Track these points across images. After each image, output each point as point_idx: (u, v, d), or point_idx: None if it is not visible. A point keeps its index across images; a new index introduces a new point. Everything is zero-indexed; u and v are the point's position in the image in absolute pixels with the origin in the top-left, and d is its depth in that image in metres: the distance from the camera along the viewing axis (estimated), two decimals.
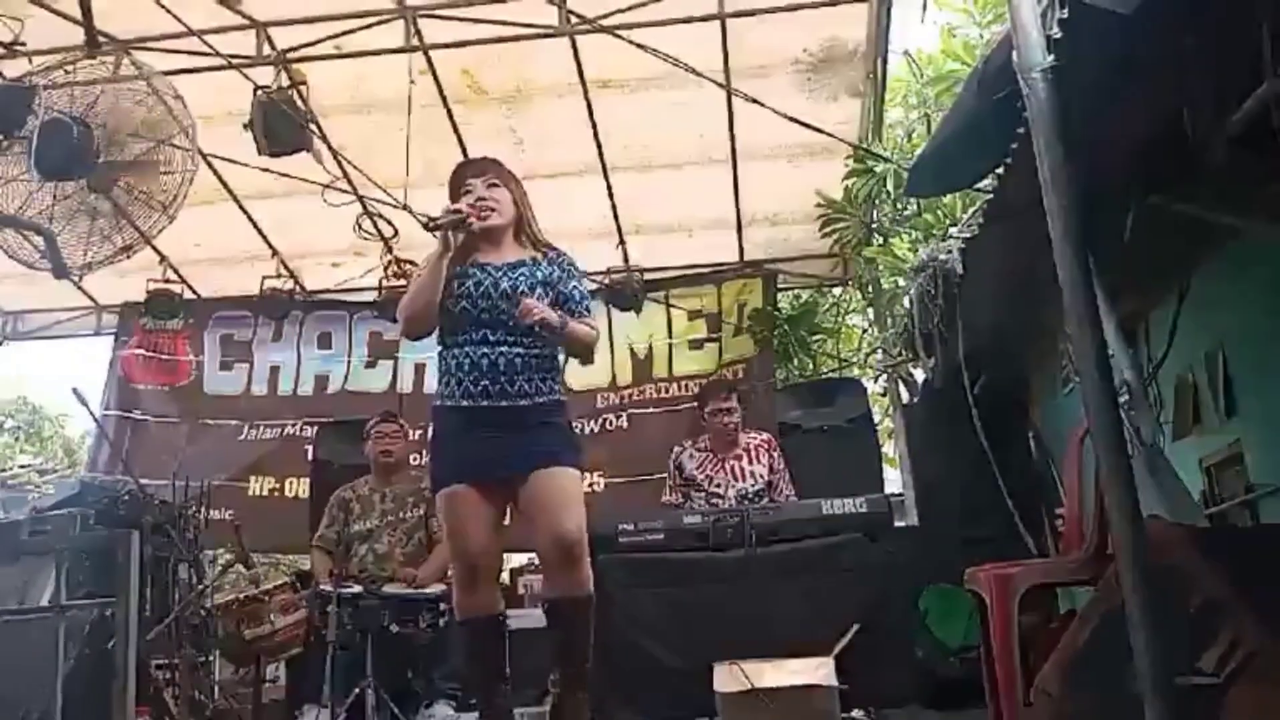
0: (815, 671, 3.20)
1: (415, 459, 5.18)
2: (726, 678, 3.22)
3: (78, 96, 3.22)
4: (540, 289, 2.98)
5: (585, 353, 3.09)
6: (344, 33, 4.83)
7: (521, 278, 2.98)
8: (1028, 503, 4.31)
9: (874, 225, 5.35)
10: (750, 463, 4.57)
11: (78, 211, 3.20)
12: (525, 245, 3.09)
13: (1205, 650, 2.01)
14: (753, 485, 4.50)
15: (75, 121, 3.10)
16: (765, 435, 4.76)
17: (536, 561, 5.24)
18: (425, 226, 2.93)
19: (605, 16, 4.70)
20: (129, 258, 3.43)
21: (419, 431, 5.52)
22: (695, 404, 5.19)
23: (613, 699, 3.67)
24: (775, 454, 4.64)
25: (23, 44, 2.84)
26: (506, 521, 3.03)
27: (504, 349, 2.92)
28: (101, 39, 3.45)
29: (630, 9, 4.67)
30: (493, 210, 3.02)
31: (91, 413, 5.46)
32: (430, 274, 2.93)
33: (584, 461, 3.02)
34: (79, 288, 6.68)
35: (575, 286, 3.05)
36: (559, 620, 2.95)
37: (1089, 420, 2.13)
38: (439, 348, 3.05)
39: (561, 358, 3.07)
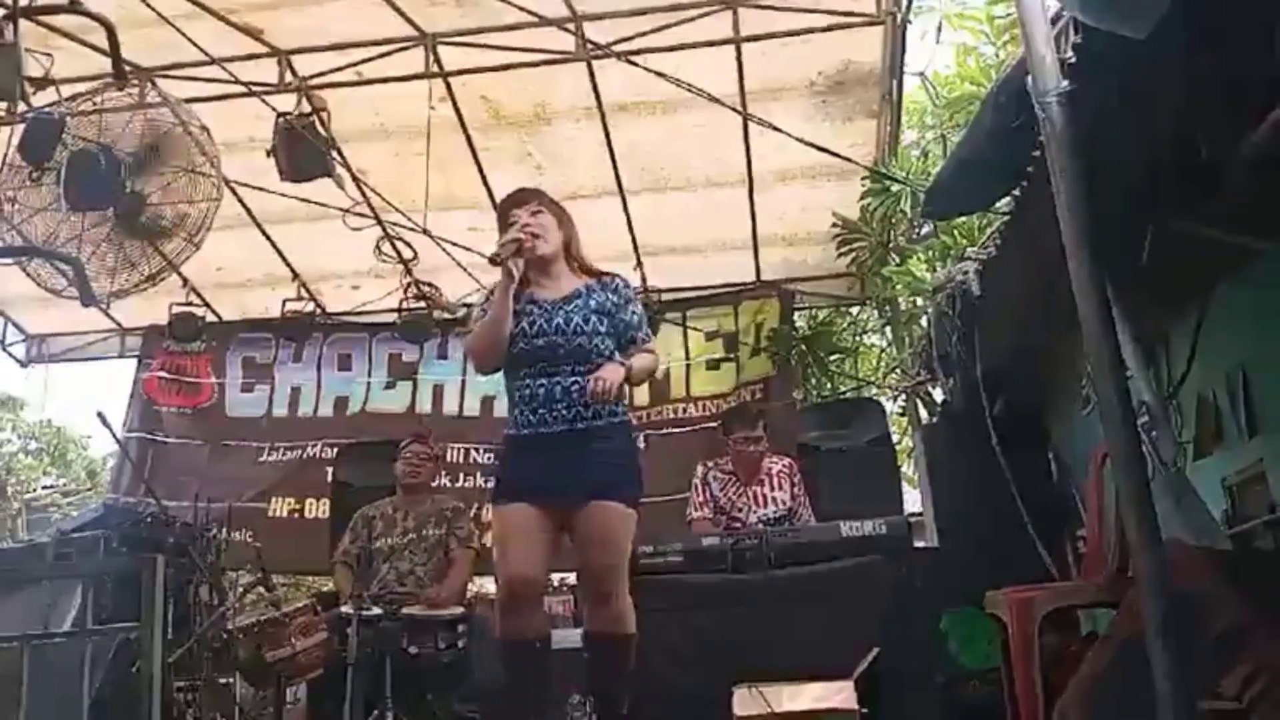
0: (835, 695, 3.17)
1: (435, 482, 5.19)
2: (746, 701, 3.20)
3: (105, 127, 3.28)
4: (595, 318, 3.02)
5: (649, 378, 3.21)
6: (365, 60, 4.91)
7: (575, 309, 3.02)
8: (1048, 524, 4.28)
9: (891, 245, 5.36)
10: (772, 489, 4.56)
11: (105, 240, 3.26)
12: (576, 272, 3.13)
13: (1227, 675, 2.00)
14: (775, 511, 4.49)
15: (102, 152, 3.16)
16: (786, 460, 4.74)
17: (557, 584, 5.27)
18: (491, 261, 2.99)
19: (621, 42, 4.76)
20: (155, 285, 3.49)
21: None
22: (716, 424, 5.17)
23: None
24: (796, 479, 4.62)
25: (52, 80, 2.90)
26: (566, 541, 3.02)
27: (561, 379, 2.96)
28: (127, 68, 3.51)
29: (646, 34, 4.72)
30: (538, 236, 3.05)
31: (115, 436, 5.53)
32: (499, 307, 2.96)
33: (637, 494, 3.02)
34: (104, 311, 6.76)
35: (634, 312, 3.09)
36: (590, 653, 3.01)
37: (1108, 443, 2.13)
38: (505, 381, 3.10)
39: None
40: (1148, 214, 2.91)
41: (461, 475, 6.51)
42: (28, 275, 3.49)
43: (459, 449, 6.58)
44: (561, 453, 2.92)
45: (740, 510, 4.53)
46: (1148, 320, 3.46)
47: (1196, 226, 2.84)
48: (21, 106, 3.16)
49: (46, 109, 3.34)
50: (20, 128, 3.27)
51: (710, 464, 4.73)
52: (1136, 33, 1.94)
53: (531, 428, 2.96)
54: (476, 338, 3.08)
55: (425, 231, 5.32)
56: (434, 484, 4.99)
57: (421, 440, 4.79)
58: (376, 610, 4.00)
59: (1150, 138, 2.58)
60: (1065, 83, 2.19)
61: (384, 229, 5.77)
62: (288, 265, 6.60)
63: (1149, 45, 1.96)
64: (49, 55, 2.89)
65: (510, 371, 3.06)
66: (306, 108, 4.82)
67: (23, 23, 2.55)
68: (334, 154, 5.00)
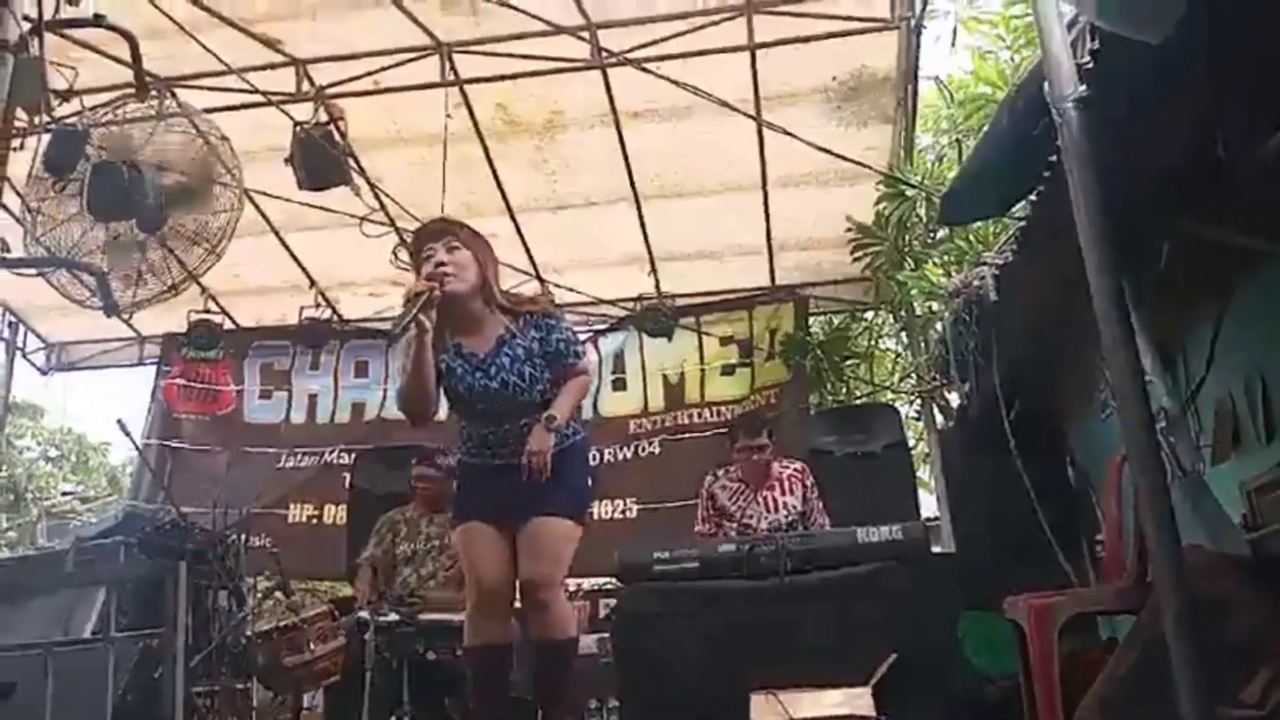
0: (853, 702, 3.17)
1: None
2: (763, 708, 3.20)
3: (127, 138, 3.32)
4: (526, 367, 2.99)
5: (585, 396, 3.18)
6: (381, 69, 4.95)
7: (506, 363, 2.99)
8: (1065, 529, 4.26)
9: (906, 250, 5.35)
10: (783, 494, 4.55)
11: (127, 251, 3.30)
12: (496, 312, 3.03)
13: (1248, 682, 1.99)
14: (786, 516, 4.48)
15: (125, 163, 3.20)
16: (798, 465, 4.73)
17: (574, 588, 5.27)
18: (392, 337, 2.89)
19: (635, 49, 4.77)
20: (176, 295, 3.53)
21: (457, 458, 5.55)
22: (727, 431, 5.18)
23: None
24: (809, 483, 4.61)
25: (75, 92, 2.94)
26: None
27: (508, 425, 3.02)
28: (147, 79, 3.55)
29: (660, 41, 4.74)
30: (452, 275, 2.93)
31: (135, 443, 5.58)
32: (416, 366, 2.88)
33: (582, 509, 3.18)
34: (123, 320, 6.82)
35: (559, 339, 3.04)
36: (535, 660, 3.14)
37: (1126, 447, 2.13)
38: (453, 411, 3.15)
39: (591, 389, 3.13)
40: (1165, 218, 2.90)
41: None
42: (51, 286, 3.53)
43: None
44: (512, 481, 2.98)
45: (751, 517, 4.53)
46: (1166, 325, 3.44)
47: (1214, 230, 2.83)
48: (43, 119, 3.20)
49: (69, 120, 3.38)
50: (44, 140, 3.30)
51: (720, 472, 4.72)
52: (1153, 38, 1.93)
53: (484, 459, 3.07)
54: (402, 396, 3.02)
55: None
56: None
57: (426, 461, 4.73)
58: (394, 616, 4.02)
59: (1167, 142, 2.57)
60: (1082, 88, 2.19)
61: (400, 236, 5.79)
62: (305, 273, 6.64)
63: (1165, 50, 1.96)
64: (73, 69, 2.92)
65: (454, 410, 3.11)
66: (324, 117, 4.86)
67: (46, 35, 2.58)
68: (351, 162, 5.03)
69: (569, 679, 3.12)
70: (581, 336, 6.62)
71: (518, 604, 3.14)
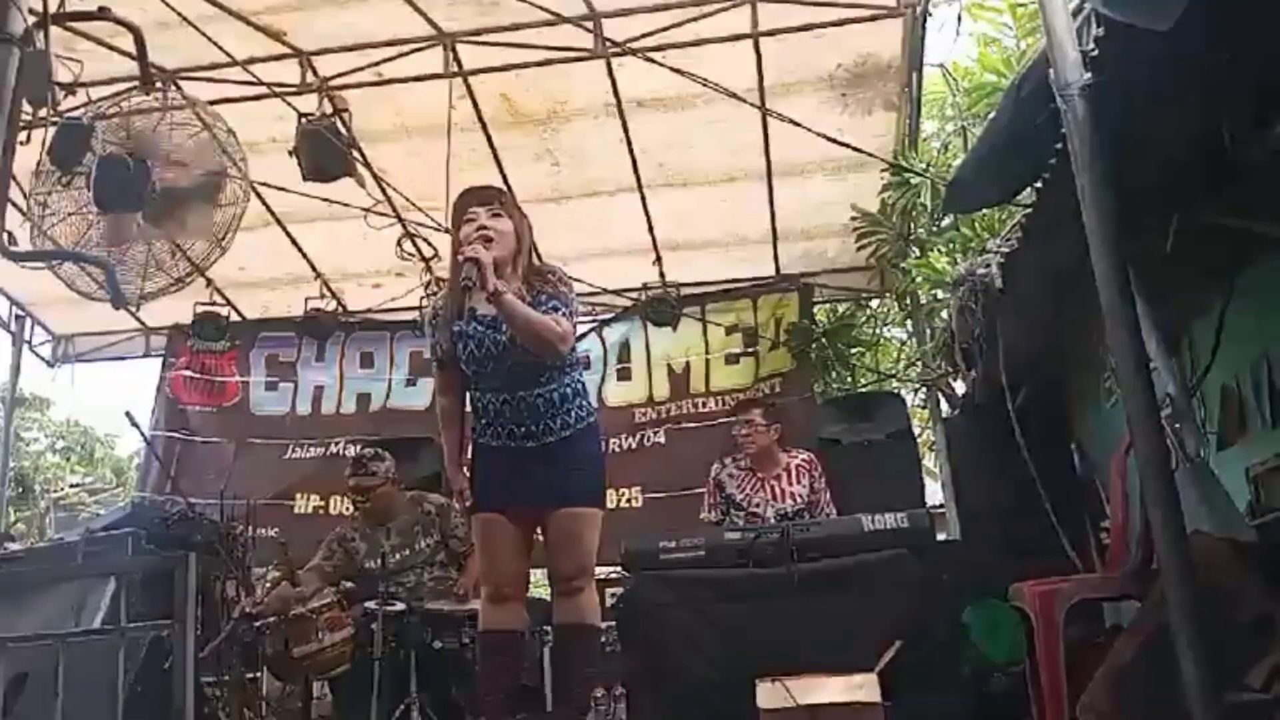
0: (859, 688, 3.18)
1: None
2: (769, 695, 3.21)
3: (133, 131, 3.33)
4: None
5: (538, 342, 2.91)
6: (385, 60, 4.95)
7: None
8: (1071, 516, 4.26)
9: (911, 238, 5.34)
10: (790, 483, 4.57)
11: (134, 244, 3.31)
12: (517, 278, 3.03)
13: (1254, 666, 1.99)
14: (792, 506, 4.50)
15: (131, 156, 3.21)
16: (806, 455, 4.74)
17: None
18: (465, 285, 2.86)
19: (639, 39, 4.76)
20: (183, 288, 3.54)
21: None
22: (732, 419, 5.20)
23: (653, 716, 3.68)
24: (816, 473, 4.63)
25: (81, 84, 2.95)
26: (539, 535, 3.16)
27: (522, 393, 3.00)
28: (152, 71, 3.55)
29: (664, 30, 4.73)
30: (491, 240, 2.96)
31: (144, 436, 5.61)
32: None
33: (603, 494, 3.18)
34: (130, 312, 6.83)
35: (541, 287, 3.01)
36: (559, 644, 3.19)
37: (1131, 435, 2.13)
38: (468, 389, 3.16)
39: (596, 378, 3.11)
40: (1171, 204, 2.90)
41: None
42: (59, 279, 3.55)
43: None
44: (530, 467, 3.01)
45: (758, 505, 4.55)
46: (1171, 311, 3.44)
47: (1219, 216, 2.83)
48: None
49: (73, 113, 3.39)
50: (50, 133, 3.31)
51: (728, 461, 4.74)
52: (1159, 25, 1.93)
53: (500, 440, 3.04)
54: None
55: (446, 229, 5.34)
56: (402, 489, 4.61)
57: (361, 470, 4.48)
58: (401, 605, 4.04)
59: (1173, 129, 2.57)
60: (1087, 75, 2.19)
61: (405, 227, 5.81)
62: (310, 264, 6.66)
63: (1171, 37, 1.95)
64: (78, 62, 2.93)
65: (470, 382, 3.11)
66: (328, 108, 4.87)
67: (51, 28, 2.59)
68: (355, 154, 5.04)
69: (589, 665, 3.15)
70: (586, 326, 6.69)
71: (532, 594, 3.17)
